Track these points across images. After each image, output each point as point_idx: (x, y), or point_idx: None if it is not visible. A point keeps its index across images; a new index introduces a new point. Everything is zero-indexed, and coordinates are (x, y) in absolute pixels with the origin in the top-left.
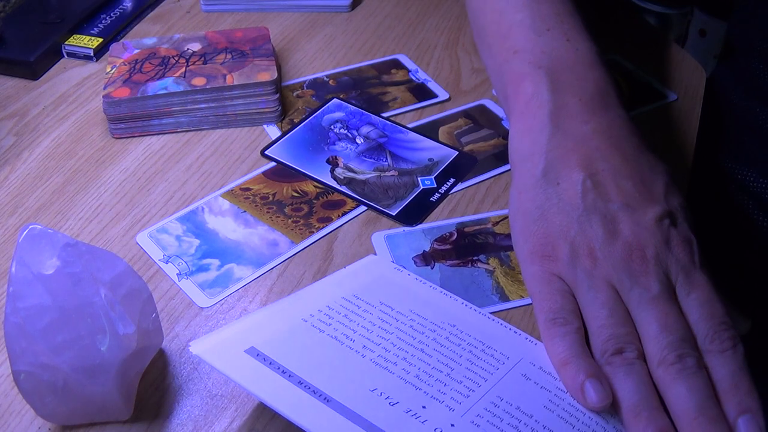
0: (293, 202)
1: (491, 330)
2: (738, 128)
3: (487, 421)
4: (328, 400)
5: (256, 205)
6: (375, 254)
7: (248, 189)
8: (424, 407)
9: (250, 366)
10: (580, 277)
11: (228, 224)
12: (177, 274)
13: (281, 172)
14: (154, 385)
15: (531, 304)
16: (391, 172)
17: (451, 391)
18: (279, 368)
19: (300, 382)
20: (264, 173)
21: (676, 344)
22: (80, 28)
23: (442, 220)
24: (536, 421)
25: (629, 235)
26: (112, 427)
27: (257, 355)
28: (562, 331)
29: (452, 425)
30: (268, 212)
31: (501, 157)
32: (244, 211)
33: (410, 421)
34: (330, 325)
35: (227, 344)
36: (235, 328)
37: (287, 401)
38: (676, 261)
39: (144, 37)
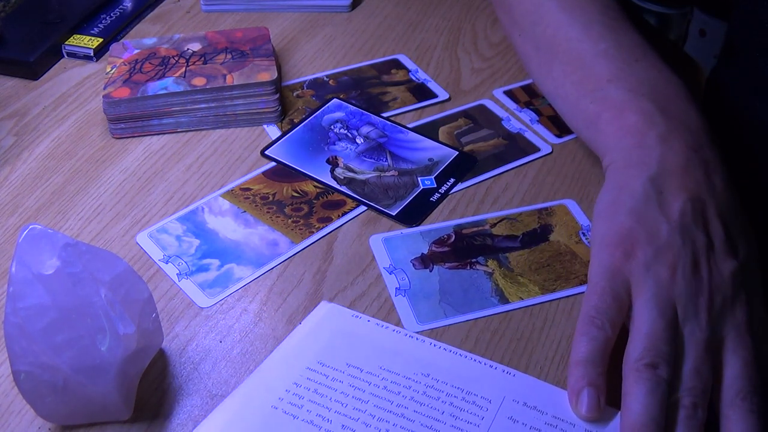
0: (293, 202)
1: (466, 370)
2: (739, 127)
3: None
4: None
5: (256, 205)
6: (328, 301)
7: (248, 189)
8: None
9: None
10: (649, 283)
11: (228, 224)
12: (177, 274)
13: (281, 172)
14: (154, 385)
15: (531, 305)
16: (391, 172)
17: None
18: None
19: None
20: (264, 173)
21: (697, 392)
22: (80, 28)
23: (439, 222)
24: None
25: (707, 274)
26: (112, 427)
27: None
28: (593, 333)
29: None
30: (268, 212)
31: (501, 157)
32: (244, 211)
33: None
34: (302, 407)
35: None
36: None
37: None
38: (733, 318)
39: (144, 37)
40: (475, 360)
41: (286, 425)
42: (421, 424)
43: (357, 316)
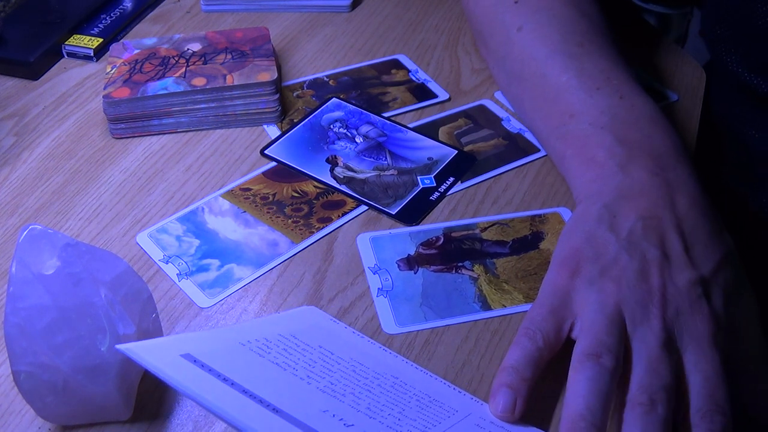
0: (293, 202)
1: (435, 387)
2: (730, 126)
3: None
4: (277, 411)
5: (256, 206)
6: (310, 305)
7: (248, 189)
8: None
9: (187, 368)
10: (593, 296)
11: (228, 224)
12: (177, 274)
13: (281, 172)
14: (154, 385)
15: (513, 314)
16: (391, 171)
17: (407, 426)
18: (219, 375)
19: (244, 391)
20: (264, 173)
21: (654, 389)
22: (80, 28)
23: (429, 224)
24: None
25: (657, 284)
26: (112, 427)
27: (195, 361)
28: (524, 343)
29: None
30: (268, 212)
31: (501, 157)
32: (244, 212)
33: None
34: (270, 352)
35: (160, 347)
36: (168, 338)
37: (233, 405)
38: (693, 330)
39: (144, 37)
40: (445, 384)
41: (251, 357)
42: (387, 401)
43: (335, 321)
